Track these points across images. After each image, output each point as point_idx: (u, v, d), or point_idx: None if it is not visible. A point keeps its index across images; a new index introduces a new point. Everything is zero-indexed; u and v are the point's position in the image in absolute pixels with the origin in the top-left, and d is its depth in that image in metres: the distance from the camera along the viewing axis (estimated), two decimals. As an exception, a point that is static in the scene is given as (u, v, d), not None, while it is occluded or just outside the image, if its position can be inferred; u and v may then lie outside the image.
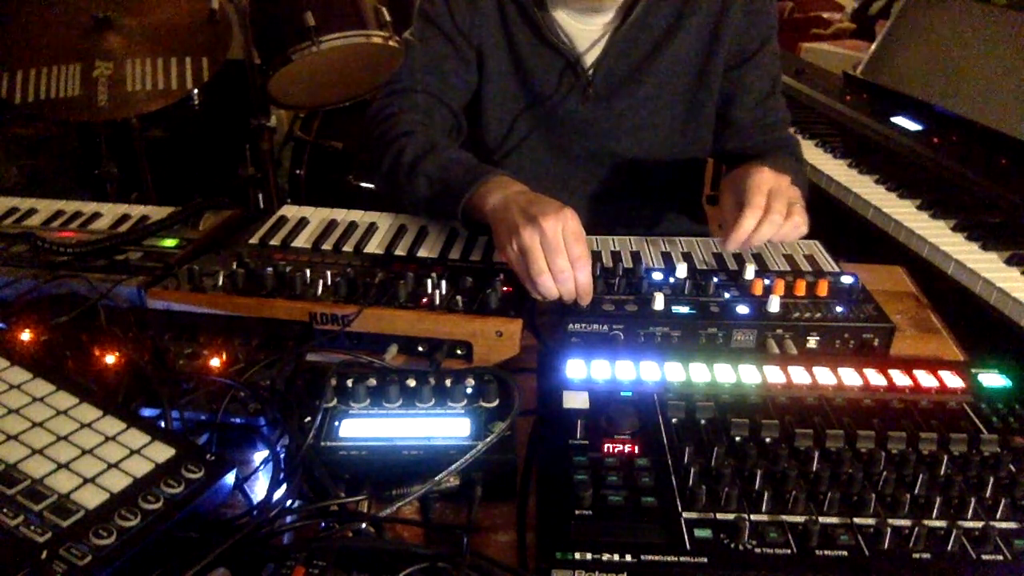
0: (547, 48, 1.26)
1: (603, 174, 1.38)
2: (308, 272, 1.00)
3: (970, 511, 0.68)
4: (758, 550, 0.64)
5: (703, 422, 0.78)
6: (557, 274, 0.92)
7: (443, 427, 0.76)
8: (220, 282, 1.00)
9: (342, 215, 1.24)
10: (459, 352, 0.96)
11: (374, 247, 1.14)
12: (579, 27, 1.24)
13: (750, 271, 1.05)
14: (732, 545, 0.65)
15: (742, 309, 0.98)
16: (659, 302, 0.98)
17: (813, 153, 2.04)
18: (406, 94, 1.28)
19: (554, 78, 1.28)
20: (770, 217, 0.98)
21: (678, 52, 1.24)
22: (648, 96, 1.28)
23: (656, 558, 0.63)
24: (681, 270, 1.05)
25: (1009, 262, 1.40)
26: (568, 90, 1.29)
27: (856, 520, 0.67)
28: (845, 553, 0.64)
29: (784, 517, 0.67)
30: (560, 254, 0.91)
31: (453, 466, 0.71)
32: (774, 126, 1.32)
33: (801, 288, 1.02)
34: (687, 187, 1.49)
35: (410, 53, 1.31)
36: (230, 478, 0.70)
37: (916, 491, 0.70)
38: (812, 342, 0.97)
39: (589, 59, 1.26)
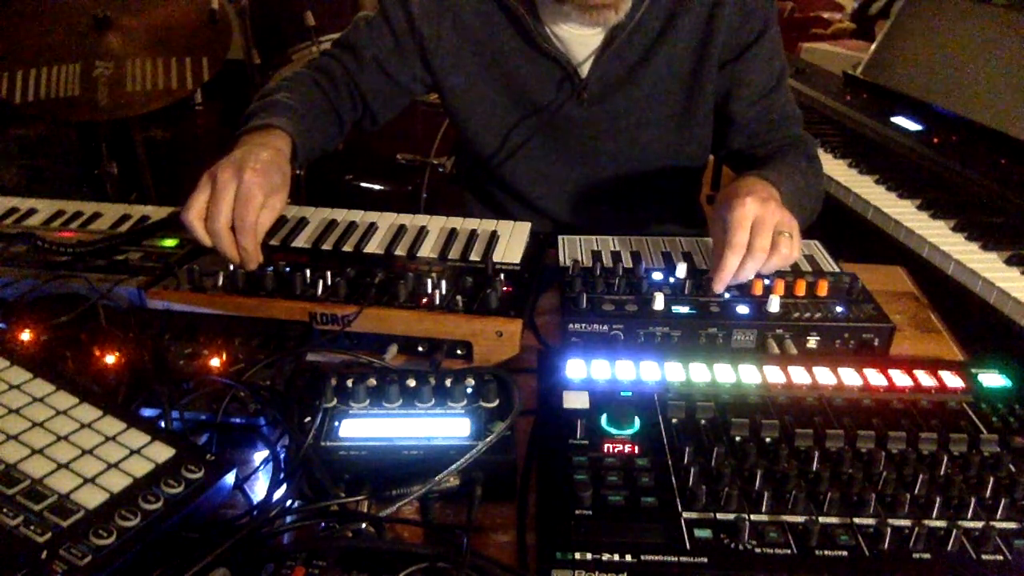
0: (542, 57, 1.26)
1: (600, 173, 1.38)
2: (308, 272, 1.00)
3: (970, 511, 0.68)
4: (758, 550, 0.64)
5: (703, 422, 0.78)
6: (212, 217, 0.94)
7: (443, 427, 0.76)
8: (220, 282, 1.00)
9: (342, 215, 1.24)
10: (459, 352, 0.96)
11: (374, 247, 1.14)
12: (576, 33, 1.24)
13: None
14: (732, 545, 0.65)
15: (742, 309, 0.98)
16: (659, 302, 0.98)
17: (813, 153, 2.04)
18: (325, 60, 1.34)
19: (551, 87, 1.28)
20: (753, 254, 0.96)
21: (671, 52, 1.24)
22: (642, 97, 1.28)
23: (656, 558, 0.63)
24: (681, 270, 1.05)
25: (1009, 262, 1.40)
26: (564, 96, 1.29)
27: (856, 520, 0.67)
28: (845, 553, 0.64)
29: (784, 517, 0.67)
30: (221, 203, 0.93)
31: (453, 466, 0.71)
32: (781, 123, 1.30)
33: (801, 288, 1.02)
34: (685, 186, 1.49)
35: (352, 31, 1.34)
36: (230, 478, 0.70)
37: (916, 491, 0.70)
38: (812, 342, 0.97)
39: (585, 65, 1.26)
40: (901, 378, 0.85)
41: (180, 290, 0.99)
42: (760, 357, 0.88)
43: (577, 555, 0.63)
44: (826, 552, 0.64)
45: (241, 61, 2.69)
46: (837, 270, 1.11)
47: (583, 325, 0.96)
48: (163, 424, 0.78)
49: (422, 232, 1.18)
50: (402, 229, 1.19)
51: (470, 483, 0.73)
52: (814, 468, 0.72)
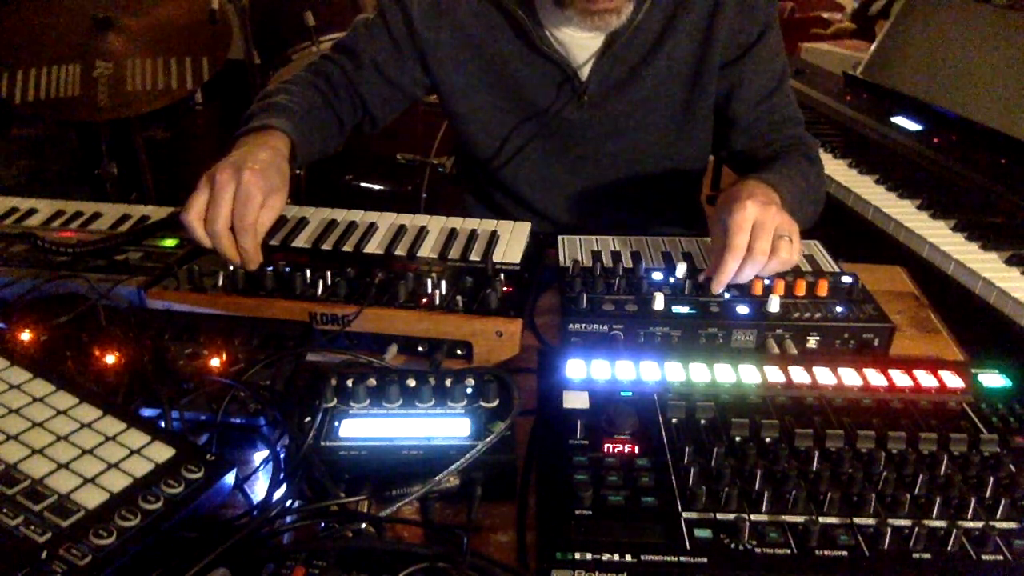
0: (542, 59, 1.25)
1: (600, 175, 1.38)
2: (308, 272, 1.00)
3: (970, 511, 0.68)
4: (758, 550, 0.64)
5: (703, 422, 0.78)
6: (210, 220, 0.94)
7: (443, 427, 0.76)
8: (220, 282, 1.00)
9: (342, 215, 1.24)
10: (459, 352, 0.96)
11: (374, 247, 1.14)
12: (576, 36, 1.24)
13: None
14: (732, 545, 0.65)
15: (742, 309, 0.98)
16: (659, 302, 0.98)
17: (813, 153, 2.03)
18: (324, 64, 1.34)
19: (551, 90, 1.28)
20: (753, 257, 0.97)
21: (672, 54, 1.24)
22: (643, 99, 1.28)
23: (656, 558, 0.63)
24: (681, 270, 1.05)
25: (1009, 262, 1.40)
26: (563, 98, 1.28)
27: (856, 520, 0.67)
28: (845, 553, 0.64)
29: (784, 517, 0.67)
30: (220, 204, 0.93)
31: (453, 466, 0.71)
32: (782, 124, 1.30)
33: (801, 288, 1.02)
34: (685, 187, 1.49)
35: (351, 34, 1.34)
36: (230, 478, 0.70)
37: (916, 491, 0.70)
38: (812, 342, 0.97)
39: (585, 68, 1.26)
40: (901, 378, 0.85)
41: (180, 290, 0.99)
42: (760, 357, 0.88)
43: (577, 555, 0.63)
44: (826, 552, 0.64)
45: (241, 61, 2.69)
46: (837, 270, 1.11)
47: (583, 325, 0.96)
48: (163, 424, 0.78)
49: (422, 232, 1.18)
50: (402, 229, 1.19)
51: (470, 483, 0.73)
52: (814, 468, 0.72)
